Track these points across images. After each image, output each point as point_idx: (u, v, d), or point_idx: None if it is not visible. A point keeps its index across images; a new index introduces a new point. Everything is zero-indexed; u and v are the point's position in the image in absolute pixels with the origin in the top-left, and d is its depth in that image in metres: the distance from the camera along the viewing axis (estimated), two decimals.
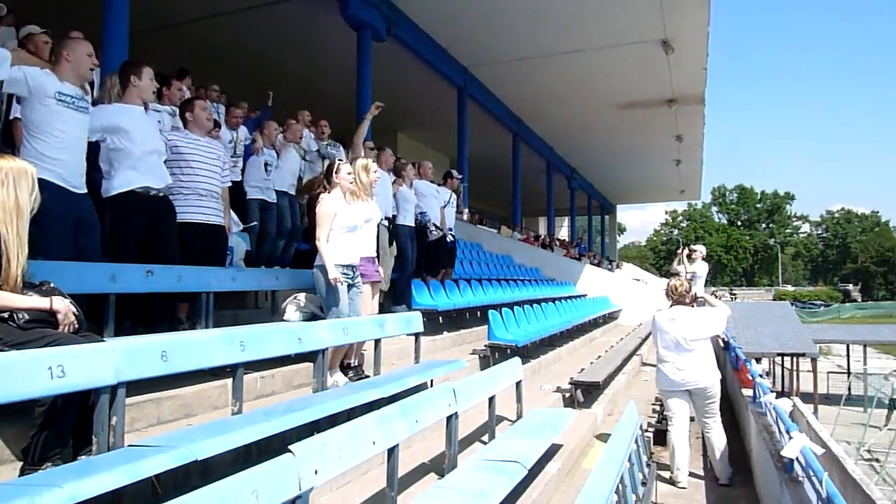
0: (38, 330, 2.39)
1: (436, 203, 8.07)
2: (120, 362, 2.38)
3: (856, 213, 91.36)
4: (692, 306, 5.50)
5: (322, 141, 7.50)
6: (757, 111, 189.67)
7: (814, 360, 18.70)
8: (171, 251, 4.22)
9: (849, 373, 21.52)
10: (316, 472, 2.16)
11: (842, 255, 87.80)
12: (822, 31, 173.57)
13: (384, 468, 3.48)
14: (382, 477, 3.36)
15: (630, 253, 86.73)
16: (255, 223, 6.28)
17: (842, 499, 2.55)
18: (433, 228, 7.80)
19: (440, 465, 3.64)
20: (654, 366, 10.22)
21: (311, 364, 4.38)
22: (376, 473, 3.48)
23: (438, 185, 8.49)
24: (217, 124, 6.02)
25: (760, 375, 6.18)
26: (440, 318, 7.59)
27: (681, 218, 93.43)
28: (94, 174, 3.94)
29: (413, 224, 7.57)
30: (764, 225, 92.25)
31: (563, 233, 35.19)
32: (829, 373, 21.82)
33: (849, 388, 17.96)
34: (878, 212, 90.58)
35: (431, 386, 4.49)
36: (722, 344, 9.51)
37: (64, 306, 2.50)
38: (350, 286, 4.51)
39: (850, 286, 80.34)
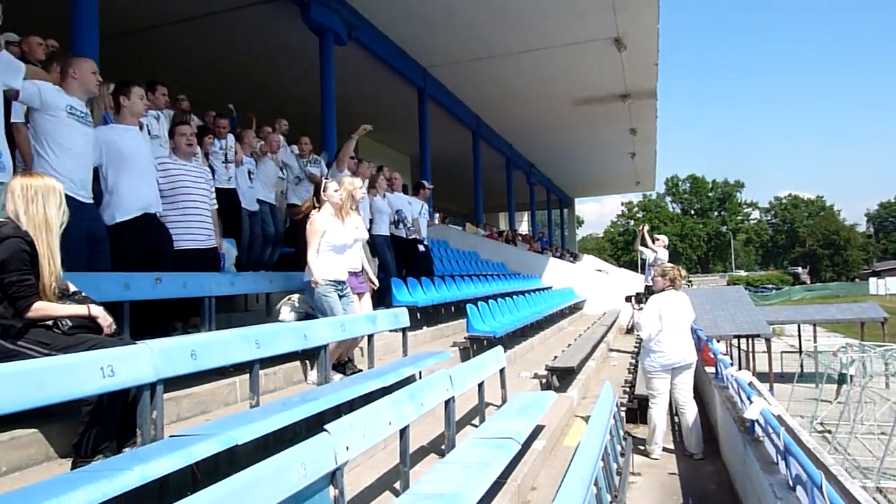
0: (81, 335, 2.60)
1: (409, 213, 8.52)
2: (158, 361, 2.61)
3: (802, 199, 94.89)
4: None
5: (303, 158, 7.66)
6: (710, 104, 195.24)
7: (768, 341, 19.60)
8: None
9: (800, 351, 22.56)
10: (347, 448, 2.45)
11: (790, 239, 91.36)
12: (767, 22, 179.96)
13: (387, 452, 3.79)
14: (388, 460, 3.67)
15: (588, 245, 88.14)
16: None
17: (797, 448, 2.92)
18: (410, 224, 8.14)
19: (439, 446, 3.95)
20: (621, 352, 10.77)
21: (307, 362, 4.66)
22: (381, 457, 3.77)
23: (410, 195, 8.94)
24: (209, 131, 6.18)
25: (722, 353, 6.67)
26: (418, 314, 7.85)
27: (636, 209, 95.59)
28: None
29: (388, 233, 7.96)
30: (716, 213, 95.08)
31: (524, 227, 35.73)
32: (782, 352, 22.82)
33: (801, 366, 18.77)
34: (822, 196, 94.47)
35: (420, 378, 4.77)
36: None
37: (101, 312, 2.71)
38: (341, 296, 4.78)
39: (799, 269, 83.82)
